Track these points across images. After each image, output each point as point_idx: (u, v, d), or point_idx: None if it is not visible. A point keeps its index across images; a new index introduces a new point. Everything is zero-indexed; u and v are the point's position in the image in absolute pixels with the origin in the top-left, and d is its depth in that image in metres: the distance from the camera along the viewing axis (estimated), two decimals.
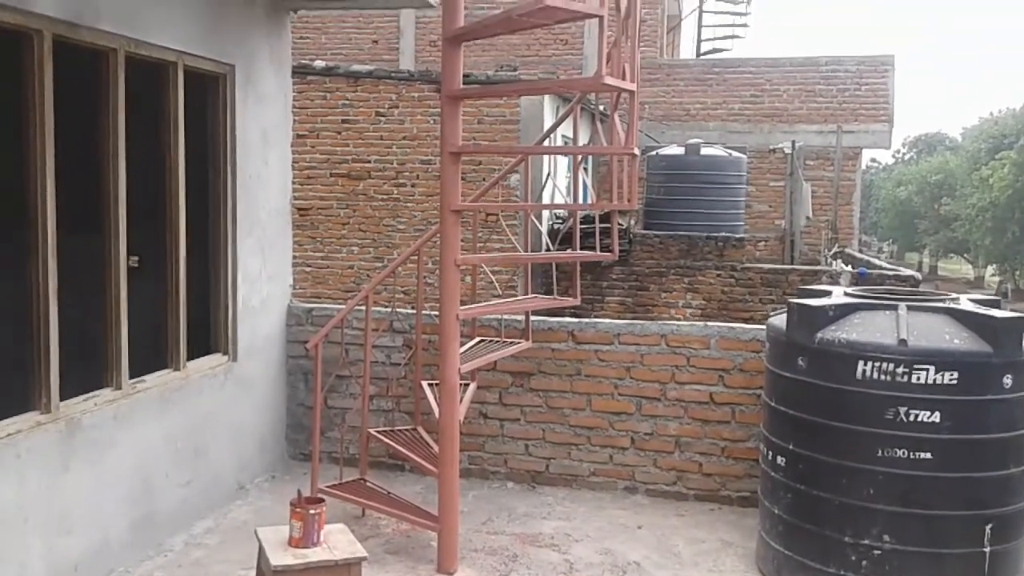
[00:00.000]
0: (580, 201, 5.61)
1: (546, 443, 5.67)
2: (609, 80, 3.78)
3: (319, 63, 11.79)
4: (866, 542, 3.96)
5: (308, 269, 11.42)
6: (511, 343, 5.34)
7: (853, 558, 3.98)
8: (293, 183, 6.30)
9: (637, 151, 4.22)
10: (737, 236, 12.80)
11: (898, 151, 61.21)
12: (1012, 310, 4.74)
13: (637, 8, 4.00)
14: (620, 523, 5.12)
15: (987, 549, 3.87)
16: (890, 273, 11.60)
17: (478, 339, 5.45)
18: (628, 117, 4.12)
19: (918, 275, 12.03)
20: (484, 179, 10.40)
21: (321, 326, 5.50)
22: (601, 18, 3.65)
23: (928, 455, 3.85)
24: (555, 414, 5.64)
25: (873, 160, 57.26)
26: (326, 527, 3.64)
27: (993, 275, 48.99)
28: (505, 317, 5.56)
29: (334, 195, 11.53)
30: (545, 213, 11.34)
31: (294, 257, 6.40)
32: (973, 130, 54.32)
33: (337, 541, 3.60)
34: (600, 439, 5.59)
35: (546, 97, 11.25)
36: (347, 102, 11.46)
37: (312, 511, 3.55)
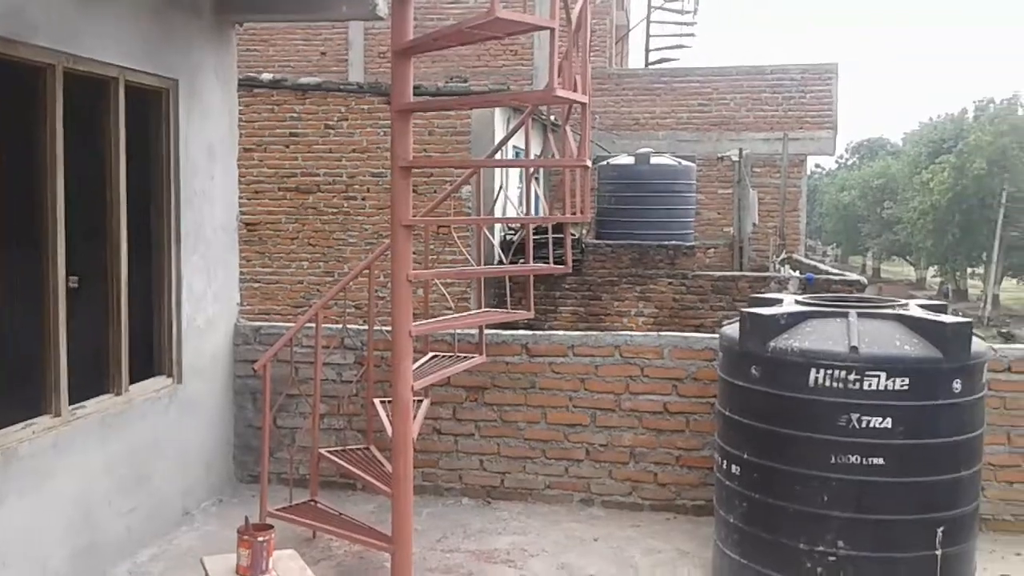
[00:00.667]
0: (533, 212, 5.59)
1: (501, 458, 5.61)
2: (561, 92, 3.76)
3: (266, 76, 11.64)
4: (821, 548, 3.96)
5: (256, 285, 11.23)
6: (465, 357, 5.28)
7: (808, 565, 3.98)
8: (240, 198, 6.20)
9: (589, 163, 4.20)
10: (687, 244, 12.91)
11: (841, 156, 62.60)
12: (954, 311, 4.82)
13: (587, 20, 3.98)
14: (576, 536, 5.08)
15: (939, 552, 3.89)
16: (836, 278, 11.80)
17: (431, 354, 5.38)
18: (580, 129, 4.10)
19: (864, 280, 12.27)
20: (436, 191, 10.34)
21: (270, 344, 5.40)
22: (552, 30, 3.63)
23: (880, 460, 3.88)
24: (510, 428, 5.59)
25: (817, 166, 58.45)
26: (275, 553, 3.54)
27: (934, 276, 50.27)
28: (458, 331, 5.51)
29: (283, 209, 11.36)
30: (498, 225, 11.31)
31: (242, 273, 6.28)
32: (914, 135, 55.63)
33: (287, 568, 3.50)
34: (555, 452, 5.56)
35: (497, 108, 11.24)
36: (295, 115, 11.32)
37: (260, 539, 3.45)
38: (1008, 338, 28.08)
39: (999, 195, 39.60)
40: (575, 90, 3.93)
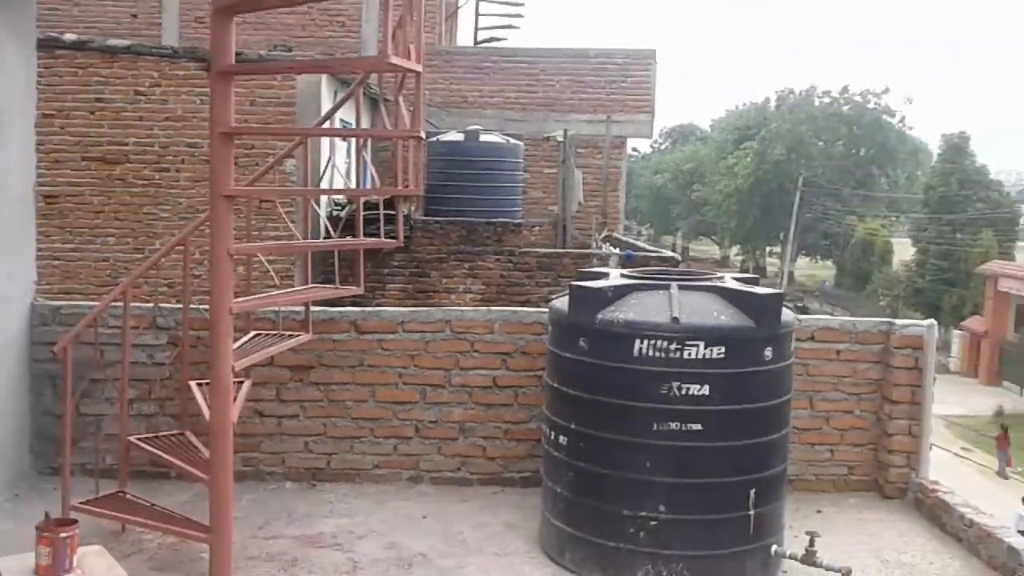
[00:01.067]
0: (362, 186, 5.42)
1: (327, 438, 5.45)
2: (395, 60, 3.65)
3: (69, 36, 10.72)
4: (643, 514, 4.09)
5: (56, 263, 10.36)
6: (290, 336, 5.07)
7: (631, 530, 4.11)
8: (38, 168, 5.72)
9: (423, 134, 4.11)
10: (515, 222, 13.04)
11: (655, 141, 65.58)
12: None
13: None
14: (405, 515, 5.02)
15: (752, 512, 4.12)
16: (653, 255, 12.32)
17: (253, 333, 5.13)
18: (413, 100, 3.99)
19: (678, 256, 12.88)
20: (257, 164, 9.88)
21: (71, 325, 4.97)
22: None
23: (699, 426, 4.04)
24: (337, 408, 5.44)
25: (634, 149, 60.92)
26: (80, 550, 3.26)
27: (737, 255, 53.77)
28: (283, 309, 5.28)
29: (86, 181, 10.54)
30: (323, 199, 10.98)
31: (39, 249, 5.78)
32: (721, 122, 59.00)
33: (93, 566, 3.23)
34: (384, 430, 5.46)
35: (324, 79, 10.87)
36: (102, 80, 10.51)
37: (63, 535, 3.16)
38: (803, 311, 30.40)
39: (796, 180, 42.78)
40: (409, 59, 3.82)
